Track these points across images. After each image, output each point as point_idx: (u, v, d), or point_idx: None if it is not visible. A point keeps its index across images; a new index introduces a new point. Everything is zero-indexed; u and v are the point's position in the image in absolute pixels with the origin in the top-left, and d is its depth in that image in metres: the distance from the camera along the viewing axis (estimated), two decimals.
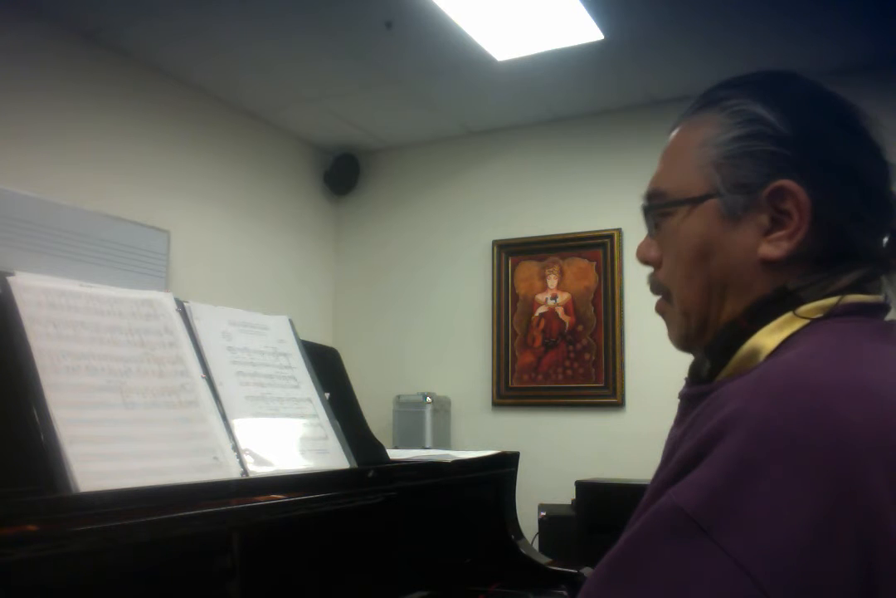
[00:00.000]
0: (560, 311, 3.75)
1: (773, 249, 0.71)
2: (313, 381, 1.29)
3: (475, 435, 3.83)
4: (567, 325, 3.72)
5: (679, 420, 0.75)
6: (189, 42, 3.12)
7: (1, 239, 2.61)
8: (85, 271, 2.83)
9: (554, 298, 3.77)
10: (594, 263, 3.69)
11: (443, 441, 3.72)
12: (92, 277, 1.63)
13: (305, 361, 1.30)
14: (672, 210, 0.77)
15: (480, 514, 1.57)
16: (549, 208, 3.83)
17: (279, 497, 1.02)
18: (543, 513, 2.96)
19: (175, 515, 0.88)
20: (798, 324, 0.68)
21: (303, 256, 4.16)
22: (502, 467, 1.59)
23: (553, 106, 3.72)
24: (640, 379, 3.52)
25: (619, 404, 3.55)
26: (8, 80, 2.79)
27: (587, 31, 2.95)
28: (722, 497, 0.55)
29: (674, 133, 0.80)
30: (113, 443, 0.92)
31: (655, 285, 0.81)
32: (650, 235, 0.81)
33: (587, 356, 3.66)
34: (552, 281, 3.78)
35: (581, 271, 3.72)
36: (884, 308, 0.72)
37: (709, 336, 0.76)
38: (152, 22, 2.95)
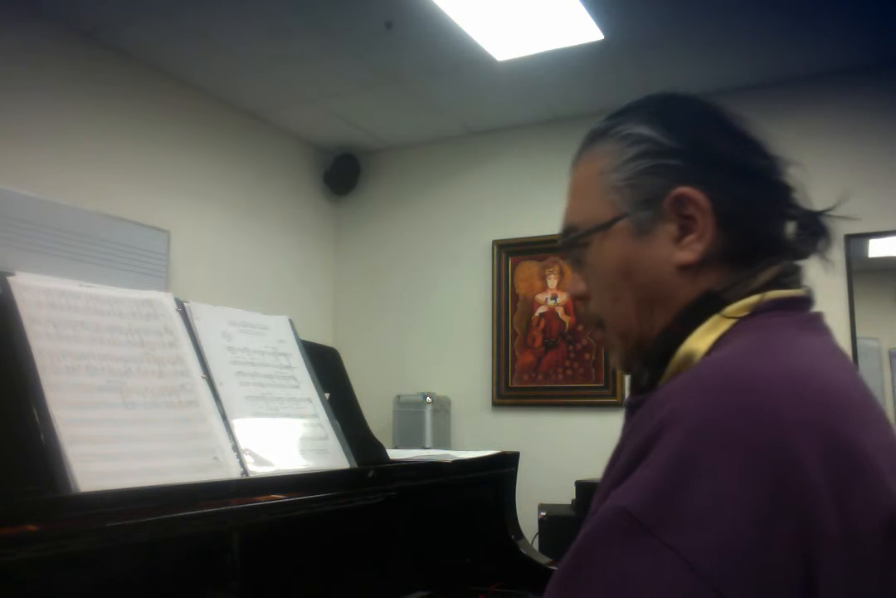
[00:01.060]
0: (560, 311, 3.75)
1: (687, 253, 0.74)
2: (313, 381, 1.29)
3: (475, 435, 3.83)
4: (567, 325, 3.72)
5: (623, 428, 0.77)
6: (189, 42, 3.12)
7: (1, 239, 2.61)
8: (85, 271, 2.83)
9: (554, 298, 3.77)
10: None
11: (443, 441, 3.72)
12: (92, 277, 1.63)
13: (305, 361, 1.30)
14: (587, 240, 0.80)
15: (480, 514, 1.57)
16: (549, 208, 3.82)
17: (279, 497, 1.02)
18: (543, 513, 2.97)
19: (175, 515, 0.88)
20: (726, 324, 0.71)
21: (303, 256, 4.16)
22: (502, 467, 1.59)
23: (553, 106, 3.72)
24: None
25: (619, 404, 3.55)
26: (8, 80, 2.79)
27: (587, 31, 2.95)
28: (664, 496, 0.56)
29: (574, 170, 0.85)
30: (113, 443, 0.92)
31: (589, 318, 0.84)
32: (574, 270, 0.85)
33: (587, 356, 3.66)
34: (552, 281, 3.78)
35: None
36: (807, 301, 0.75)
37: (645, 352, 0.79)
38: (152, 22, 2.95)
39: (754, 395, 0.59)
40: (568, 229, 0.83)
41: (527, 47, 3.10)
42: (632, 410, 0.76)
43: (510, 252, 3.90)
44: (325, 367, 1.35)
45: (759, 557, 0.53)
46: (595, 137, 0.83)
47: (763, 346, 0.67)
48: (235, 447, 1.06)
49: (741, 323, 0.71)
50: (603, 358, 3.61)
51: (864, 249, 3.22)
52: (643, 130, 0.77)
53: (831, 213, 0.78)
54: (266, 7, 2.84)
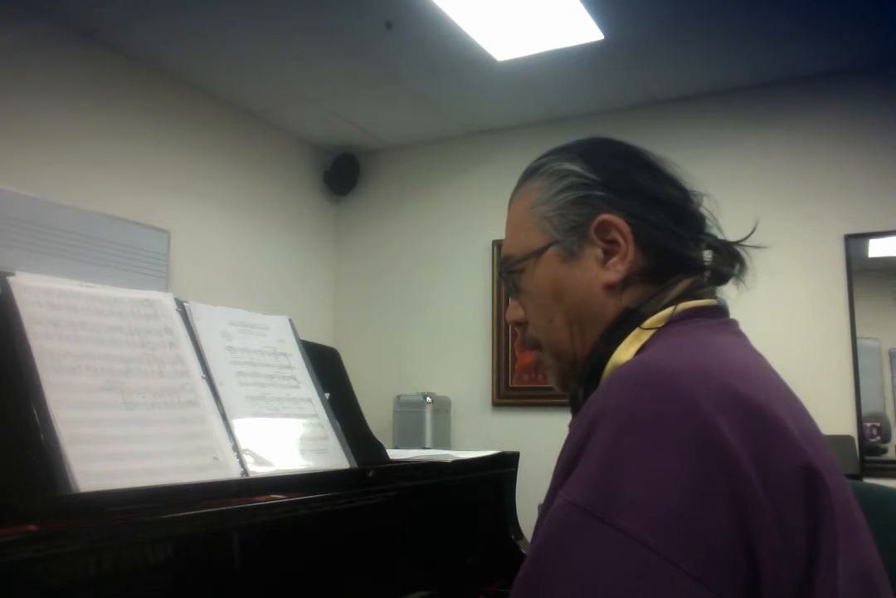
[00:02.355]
0: None
1: (611, 273, 0.82)
2: (313, 381, 1.29)
3: (475, 435, 3.83)
4: None
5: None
6: (189, 42, 3.12)
7: (1, 239, 2.61)
8: (85, 271, 2.83)
9: None
10: None
11: (443, 441, 3.72)
12: (92, 278, 1.63)
13: (305, 361, 1.30)
14: (521, 267, 0.88)
15: (480, 514, 1.57)
16: None
17: (279, 497, 1.02)
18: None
19: (175, 515, 0.88)
20: (646, 336, 0.78)
21: (303, 256, 4.16)
22: (502, 467, 1.59)
23: (553, 106, 3.72)
24: None
25: None
26: (7, 79, 2.79)
27: (587, 31, 2.95)
28: (604, 484, 0.61)
29: (510, 207, 0.93)
30: (113, 443, 0.92)
31: (528, 341, 0.92)
32: (512, 297, 0.92)
33: None
34: None
35: None
36: (719, 309, 0.82)
37: (578, 370, 0.85)
38: (152, 21, 2.95)
39: (668, 382, 0.64)
40: (504, 260, 0.92)
41: (527, 47, 3.10)
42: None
43: None
44: (325, 367, 1.35)
45: (699, 524, 0.58)
46: (528, 175, 0.92)
47: (674, 345, 0.74)
48: (235, 447, 1.06)
49: (659, 332, 0.77)
50: None
51: (864, 249, 3.22)
52: (569, 165, 0.86)
53: (745, 243, 0.86)
54: (266, 7, 2.84)
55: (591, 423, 0.65)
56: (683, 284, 0.81)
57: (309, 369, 1.29)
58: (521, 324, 0.92)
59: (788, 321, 3.19)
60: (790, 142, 3.37)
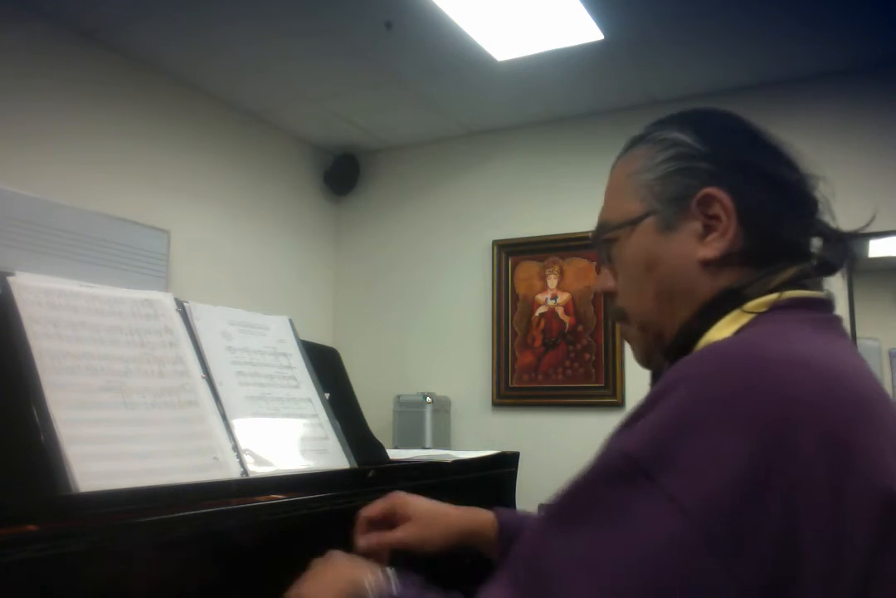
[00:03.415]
0: (560, 311, 3.75)
1: (709, 250, 0.78)
2: (313, 381, 1.29)
3: (475, 435, 3.83)
4: (567, 325, 3.72)
5: None
6: (189, 42, 3.12)
7: (1, 239, 2.61)
8: (85, 271, 2.83)
9: (554, 298, 3.77)
10: (594, 264, 3.69)
11: (443, 441, 3.72)
12: (92, 278, 1.63)
13: (305, 361, 1.30)
14: (616, 235, 0.85)
15: None
16: (549, 208, 3.83)
17: (279, 497, 1.02)
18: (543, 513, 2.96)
19: (175, 515, 0.88)
20: (745, 319, 0.74)
21: (303, 256, 4.16)
22: (502, 467, 1.59)
23: (553, 106, 3.72)
24: (640, 379, 3.49)
25: (619, 404, 3.55)
26: (7, 79, 2.79)
27: (587, 31, 2.95)
28: (664, 443, 0.60)
29: (612, 172, 0.90)
30: (113, 443, 0.92)
31: (616, 313, 0.89)
32: (604, 265, 0.89)
33: (587, 356, 3.66)
34: (552, 281, 3.78)
35: (581, 271, 3.72)
36: (825, 303, 0.78)
37: (665, 345, 0.83)
38: (152, 21, 2.95)
39: (758, 367, 0.62)
40: (600, 227, 0.88)
41: (527, 47, 3.10)
42: None
43: (510, 252, 3.90)
44: (325, 367, 1.35)
45: (746, 511, 0.57)
46: (634, 142, 0.88)
47: (776, 333, 0.71)
48: (235, 447, 1.06)
49: (759, 318, 0.74)
50: (603, 358, 3.61)
51: (864, 249, 3.22)
52: (678, 134, 0.82)
53: (858, 232, 0.81)
54: (266, 7, 2.84)
55: (670, 385, 0.64)
56: (791, 271, 0.77)
57: (309, 369, 1.29)
58: (610, 294, 0.89)
59: None
60: (790, 142, 3.36)
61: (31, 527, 0.74)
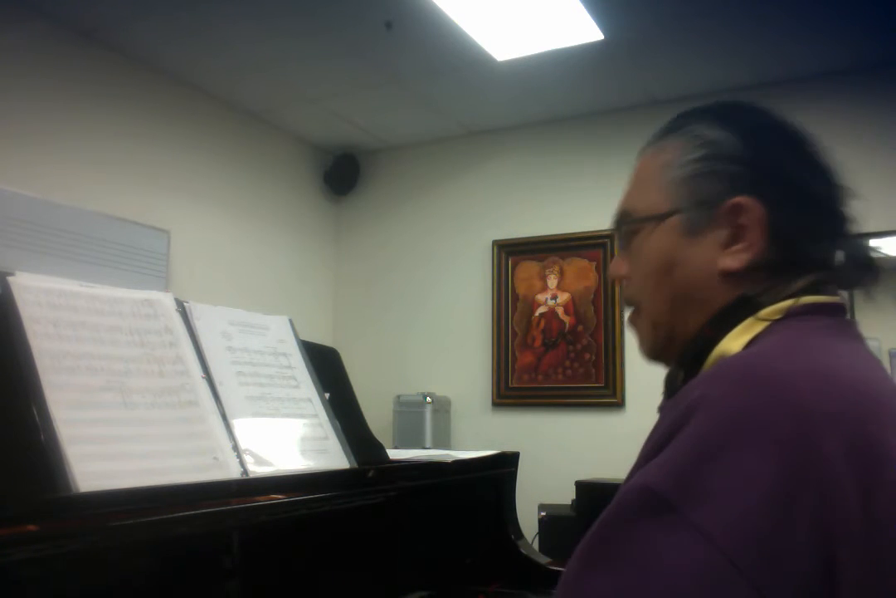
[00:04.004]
0: (560, 311, 3.75)
1: (732, 261, 0.75)
2: (313, 381, 1.29)
3: (475, 435, 3.83)
4: (567, 325, 3.72)
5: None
6: (189, 42, 3.12)
7: (1, 239, 2.61)
8: (85, 271, 2.83)
9: (554, 298, 3.77)
10: (594, 263, 3.69)
11: (443, 441, 3.72)
12: (92, 278, 1.63)
13: (305, 361, 1.30)
14: (638, 227, 0.82)
15: (480, 514, 1.57)
16: (549, 208, 3.83)
17: (279, 497, 1.02)
18: (543, 513, 2.97)
19: (175, 515, 0.88)
20: (759, 327, 0.72)
21: (303, 256, 4.16)
22: (502, 467, 1.59)
23: (553, 106, 3.72)
24: (640, 379, 3.52)
25: (619, 404, 3.55)
26: (7, 79, 2.79)
27: (587, 31, 2.95)
28: (687, 474, 0.58)
29: (640, 158, 0.86)
30: (113, 443, 0.92)
31: (627, 299, 0.86)
32: (621, 251, 0.87)
33: (587, 356, 3.66)
34: (552, 281, 3.78)
35: (581, 271, 3.72)
36: (840, 308, 0.76)
37: (675, 347, 0.81)
38: (152, 21, 2.95)
39: (780, 385, 0.60)
40: (623, 213, 0.85)
41: (527, 47, 3.10)
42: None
43: (510, 252, 3.90)
44: (325, 367, 1.35)
45: (776, 533, 0.55)
46: (667, 132, 0.84)
47: (788, 343, 0.68)
48: (235, 447, 1.06)
49: (774, 325, 0.72)
50: (603, 358, 3.61)
51: None
52: (715, 133, 0.78)
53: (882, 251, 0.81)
54: (266, 7, 2.84)
55: (688, 410, 0.61)
56: (808, 278, 0.74)
57: (309, 369, 1.29)
58: (623, 279, 0.86)
59: None
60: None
61: (31, 527, 0.74)
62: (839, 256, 0.77)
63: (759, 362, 0.64)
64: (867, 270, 0.78)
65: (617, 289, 3.62)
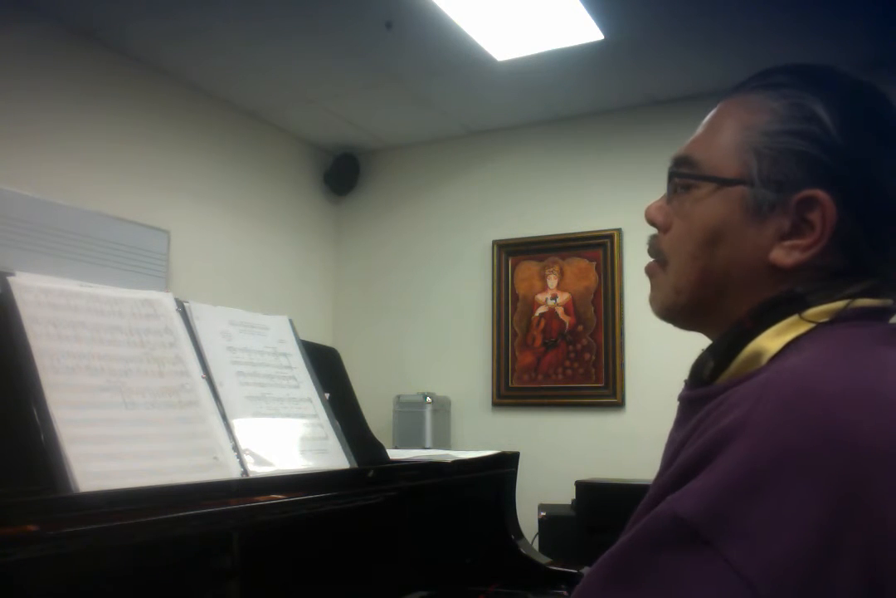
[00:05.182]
0: (560, 311, 3.75)
1: (785, 256, 0.69)
2: (313, 381, 1.29)
3: (475, 435, 3.83)
4: (567, 325, 3.72)
5: (679, 423, 0.73)
6: (189, 42, 3.12)
7: (1, 239, 2.61)
8: (85, 271, 2.83)
9: (554, 298, 3.77)
10: (594, 263, 3.69)
11: (443, 441, 3.72)
12: (92, 277, 1.63)
13: (305, 361, 1.30)
14: (697, 183, 0.74)
15: (480, 514, 1.57)
16: (549, 208, 3.83)
17: (279, 497, 1.02)
18: (543, 513, 2.96)
19: (175, 515, 0.88)
20: (803, 328, 0.67)
21: (303, 256, 4.16)
22: (502, 467, 1.59)
23: (553, 106, 3.72)
24: (640, 379, 3.52)
25: (619, 404, 3.55)
26: (7, 79, 2.79)
27: (587, 31, 2.95)
28: (724, 507, 0.54)
29: (724, 103, 0.76)
30: (113, 443, 0.92)
31: (655, 249, 0.79)
32: (667, 199, 0.78)
33: (587, 356, 3.66)
34: (552, 281, 3.78)
35: (581, 271, 3.72)
36: (890, 312, 0.70)
37: (693, 317, 0.76)
38: (152, 21, 2.95)
39: (826, 409, 0.55)
40: (684, 160, 0.76)
41: (527, 47, 3.10)
42: (689, 404, 0.72)
43: (510, 252, 3.90)
44: (325, 367, 1.35)
45: (819, 574, 0.51)
46: (764, 87, 0.74)
47: (840, 358, 0.62)
48: (235, 447, 1.06)
49: (819, 329, 0.66)
50: (603, 358, 3.61)
51: None
52: (818, 108, 0.69)
53: None
54: (266, 7, 2.84)
55: (729, 430, 0.56)
56: (865, 284, 0.68)
57: (309, 369, 1.29)
58: (658, 227, 0.78)
59: None
60: None
61: (31, 527, 0.74)
62: None
63: (808, 383, 0.58)
64: None
65: (618, 284, 3.62)
